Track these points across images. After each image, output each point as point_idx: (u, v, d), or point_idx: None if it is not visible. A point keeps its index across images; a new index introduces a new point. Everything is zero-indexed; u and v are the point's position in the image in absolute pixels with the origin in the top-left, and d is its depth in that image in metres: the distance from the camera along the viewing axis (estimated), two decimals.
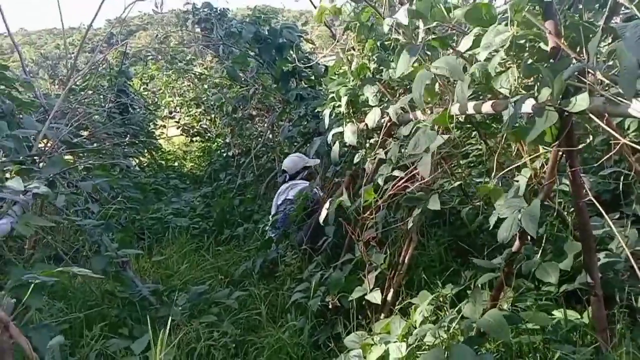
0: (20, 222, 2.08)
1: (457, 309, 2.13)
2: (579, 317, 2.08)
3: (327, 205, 2.86)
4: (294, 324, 2.88)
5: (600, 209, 1.71)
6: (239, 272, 3.91)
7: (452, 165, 2.97)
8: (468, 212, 2.95)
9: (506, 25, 1.62)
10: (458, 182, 3.01)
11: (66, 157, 3.83)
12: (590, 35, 1.50)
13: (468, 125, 2.82)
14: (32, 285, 1.80)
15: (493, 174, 1.90)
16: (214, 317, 3.05)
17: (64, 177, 2.93)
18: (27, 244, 3.69)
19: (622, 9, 1.74)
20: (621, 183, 2.03)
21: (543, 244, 2.28)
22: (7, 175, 2.38)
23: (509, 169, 1.92)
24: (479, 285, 2.03)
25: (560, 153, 1.79)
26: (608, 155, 1.67)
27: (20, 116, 3.65)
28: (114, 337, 2.85)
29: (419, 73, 1.78)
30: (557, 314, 2.12)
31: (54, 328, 2.11)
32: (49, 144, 3.60)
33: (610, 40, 1.72)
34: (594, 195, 2.59)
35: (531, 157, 1.92)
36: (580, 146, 1.75)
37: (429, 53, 1.95)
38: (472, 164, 3.68)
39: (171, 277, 3.96)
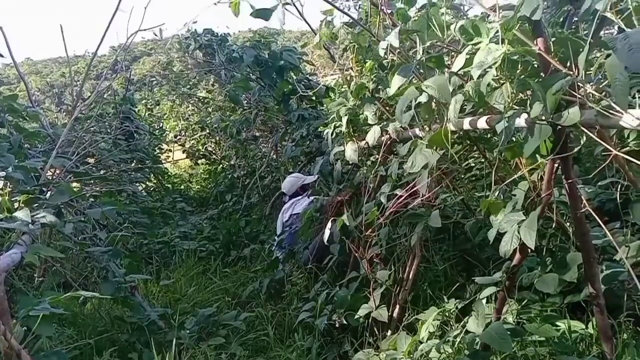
0: (30, 252, 2.13)
1: (462, 323, 2.14)
2: (584, 327, 2.08)
3: (329, 225, 2.89)
4: (302, 343, 2.90)
5: (598, 219, 1.73)
6: (246, 293, 3.93)
7: (455, 179, 3.01)
8: (471, 225, 2.96)
9: (497, 43, 1.67)
10: (460, 197, 3.04)
11: (73, 184, 3.89)
12: (580, 50, 1.54)
13: (468, 141, 2.86)
14: (42, 314, 1.84)
15: (492, 188, 1.93)
16: (222, 339, 3.07)
17: (71, 205, 2.98)
18: (37, 272, 3.73)
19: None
20: (618, 193, 2.05)
21: (545, 256, 2.29)
22: (16, 205, 2.43)
23: (505, 182, 1.95)
24: (482, 300, 2.04)
25: (556, 165, 1.82)
26: (602, 167, 1.69)
27: (27, 146, 3.72)
28: None
29: (407, 90, 1.83)
30: (562, 325, 2.13)
31: (64, 355, 2.14)
32: (56, 172, 3.67)
33: (600, 54, 1.76)
34: (598, 205, 2.62)
35: (528, 169, 1.95)
36: (572, 157, 1.77)
37: (422, 71, 1.99)
38: (474, 178, 3.70)
39: (179, 300, 3.98)
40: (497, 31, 1.67)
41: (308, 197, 4.46)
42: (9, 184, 2.58)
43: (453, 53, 2.10)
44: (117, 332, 3.24)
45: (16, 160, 2.69)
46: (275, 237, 4.42)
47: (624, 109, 1.27)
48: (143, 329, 3.12)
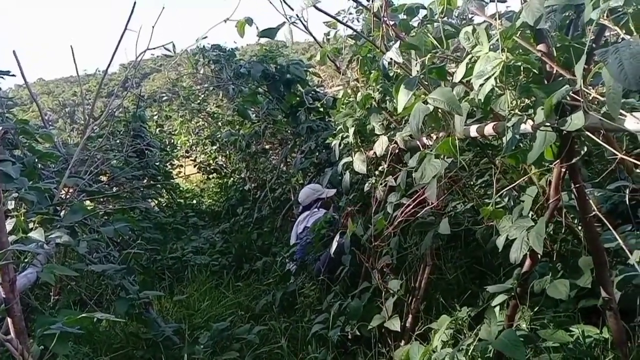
0: (45, 271, 2.16)
1: (475, 331, 2.13)
2: (598, 332, 2.06)
3: (337, 237, 2.90)
4: (315, 355, 2.90)
5: (607, 223, 1.73)
6: (259, 306, 3.94)
7: (465, 186, 3.00)
8: (482, 232, 2.95)
9: (498, 51, 1.68)
10: (470, 204, 3.03)
11: (86, 203, 3.94)
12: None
13: (477, 148, 2.87)
14: (58, 333, 1.86)
15: (496, 194, 1.93)
16: (235, 353, 3.08)
17: (85, 224, 3.02)
18: (53, 290, 3.78)
19: None
20: (627, 196, 2.04)
21: (557, 262, 2.28)
22: (31, 225, 2.48)
23: (509, 187, 1.95)
24: (494, 307, 2.03)
25: (564, 170, 1.82)
26: (608, 171, 1.69)
27: (41, 167, 3.78)
28: None
29: (416, 105, 1.84)
30: (576, 330, 2.11)
31: None
32: (70, 192, 3.72)
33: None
34: (610, 208, 2.60)
35: (535, 172, 1.95)
36: (581, 161, 1.77)
37: (426, 83, 2.00)
38: (485, 184, 3.69)
39: (193, 315, 4.00)
40: (497, 39, 1.69)
41: (318, 209, 4.48)
42: (23, 205, 2.62)
43: (455, 63, 2.12)
44: (132, 348, 3.26)
45: (30, 182, 2.73)
46: (289, 250, 4.43)
47: (615, 117, 1.28)
48: (158, 344, 3.14)
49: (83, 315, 1.91)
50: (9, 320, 1.73)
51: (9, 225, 2.24)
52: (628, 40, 1.22)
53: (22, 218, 2.33)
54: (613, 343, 1.91)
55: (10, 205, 2.46)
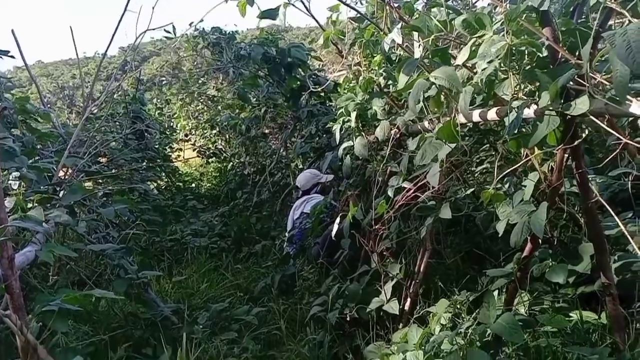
0: (44, 250, 2.16)
1: (473, 315, 2.14)
2: (597, 318, 2.07)
3: (337, 220, 2.90)
4: (314, 337, 2.91)
5: (610, 209, 1.72)
6: (258, 288, 3.96)
7: (465, 172, 2.99)
8: (482, 218, 2.95)
9: (502, 34, 1.66)
10: (471, 189, 3.03)
11: (85, 183, 3.93)
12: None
13: (478, 133, 2.85)
14: (57, 310, 1.87)
15: (496, 179, 1.92)
16: (234, 333, 3.11)
17: (84, 204, 3.01)
18: (52, 270, 3.78)
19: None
20: (630, 183, 2.03)
21: (557, 247, 2.28)
22: (30, 204, 2.47)
23: (510, 169, 1.94)
24: (493, 291, 2.04)
25: (567, 155, 1.81)
26: (612, 157, 1.68)
27: (40, 147, 3.76)
28: (138, 357, 2.91)
29: (417, 82, 1.82)
30: (575, 316, 2.12)
31: (80, 350, 2.17)
32: (69, 172, 3.71)
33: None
34: (610, 195, 2.60)
35: (536, 154, 1.94)
36: (583, 147, 1.76)
37: (428, 64, 1.98)
38: (486, 170, 3.68)
39: (192, 296, 4.02)
40: (502, 22, 1.67)
41: (316, 194, 4.47)
42: (22, 184, 2.61)
43: (460, 46, 2.10)
44: (131, 328, 3.27)
45: (29, 161, 2.72)
46: (286, 234, 4.45)
47: (622, 101, 1.26)
48: (157, 324, 3.16)
49: (82, 292, 1.91)
50: (7, 296, 1.73)
51: (9, 204, 2.23)
52: (637, 22, 1.20)
53: (21, 197, 2.32)
54: (611, 329, 1.92)
55: (15, 184, 2.45)
